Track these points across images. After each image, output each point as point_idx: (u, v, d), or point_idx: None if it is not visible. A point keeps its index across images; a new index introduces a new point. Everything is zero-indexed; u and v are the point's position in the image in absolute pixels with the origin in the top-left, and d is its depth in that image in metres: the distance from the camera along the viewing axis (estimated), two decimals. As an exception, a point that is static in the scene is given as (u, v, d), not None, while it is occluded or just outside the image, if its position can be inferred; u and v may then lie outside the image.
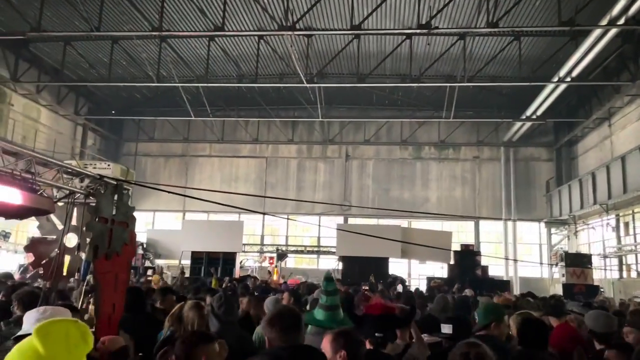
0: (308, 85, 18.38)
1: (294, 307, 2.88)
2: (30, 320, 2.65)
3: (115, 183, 3.56)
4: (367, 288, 11.24)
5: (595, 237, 21.06)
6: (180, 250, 18.59)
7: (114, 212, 3.68)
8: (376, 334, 3.33)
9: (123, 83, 21.07)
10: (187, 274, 16.96)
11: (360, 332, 3.08)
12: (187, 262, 18.43)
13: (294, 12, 14.89)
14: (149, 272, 17.75)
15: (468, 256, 17.36)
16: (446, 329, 3.77)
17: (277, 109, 24.41)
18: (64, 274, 4.90)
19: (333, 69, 19.83)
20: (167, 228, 24.21)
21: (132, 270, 15.97)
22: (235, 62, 20.06)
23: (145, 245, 19.51)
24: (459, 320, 3.98)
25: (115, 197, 3.63)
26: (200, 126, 25.84)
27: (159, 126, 26.53)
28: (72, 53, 18.93)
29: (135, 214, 4.00)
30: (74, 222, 4.34)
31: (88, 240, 3.45)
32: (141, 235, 21.27)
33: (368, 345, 3.23)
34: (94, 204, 3.45)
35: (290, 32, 14.70)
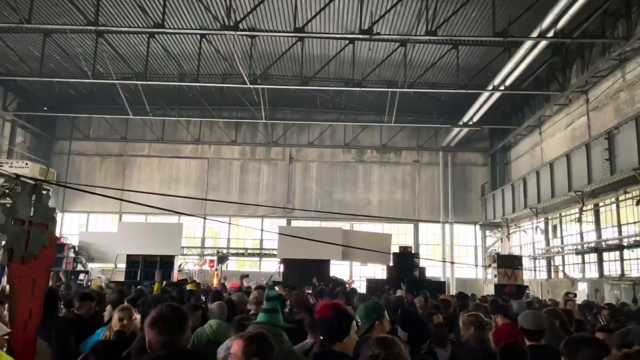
0: (251, 86, 18.23)
1: (178, 306, 2.77)
2: None
3: (34, 183, 3.35)
4: (310, 292, 11.22)
5: (526, 240, 22.10)
6: (115, 254, 17.91)
7: (31, 214, 3.46)
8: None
9: (56, 78, 20.07)
10: (122, 278, 16.39)
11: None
12: (122, 265, 17.78)
13: (237, 12, 14.74)
14: (81, 276, 16.97)
15: (406, 258, 17.70)
16: (402, 335, 3.72)
17: (220, 109, 24.06)
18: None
19: (277, 70, 19.78)
20: (103, 230, 23.30)
21: (61, 274, 15.20)
22: (176, 60, 19.60)
23: (77, 249, 18.65)
24: (416, 325, 3.91)
25: (34, 197, 3.43)
26: (139, 125, 25.04)
27: (94, 124, 25.49)
28: (0, 45, 17.87)
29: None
30: (-15, 223, 4.05)
31: (3, 242, 3.23)
32: (73, 237, 20.36)
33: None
34: (9, 205, 3.24)
35: (233, 32, 14.52)
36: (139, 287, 11.53)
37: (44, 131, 24.72)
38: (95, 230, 23.31)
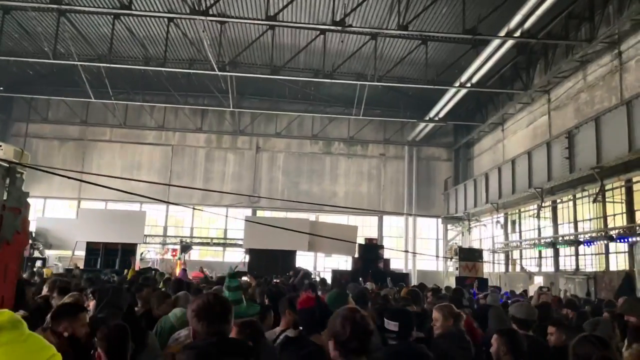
0: (219, 73, 17.95)
1: (223, 296, 2.78)
2: None
3: (7, 165, 3.22)
4: (277, 281, 11.24)
5: (486, 234, 22.70)
6: (74, 241, 17.40)
7: (4, 197, 3.33)
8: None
9: (14, 57, 19.19)
10: (81, 266, 15.97)
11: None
12: (81, 252, 17.31)
13: (208, -4, 14.44)
14: (38, 263, 16.41)
15: (371, 249, 17.91)
16: (391, 325, 3.47)
17: (186, 95, 23.62)
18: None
19: (246, 58, 19.54)
20: (60, 216, 22.57)
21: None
22: (142, 43, 19.08)
23: (34, 235, 18.03)
24: (404, 315, 3.70)
25: (8, 180, 3.29)
26: (100, 109, 24.28)
27: (53, 106, 24.58)
28: (-47, 19, 16.95)
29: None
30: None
31: (-27, 227, 3.10)
32: (30, 223, 19.65)
33: None
34: (-19, 188, 3.11)
35: (202, 17, 14.24)
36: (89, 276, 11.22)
37: (-1, 112, 23.69)
38: (53, 216, 22.56)
